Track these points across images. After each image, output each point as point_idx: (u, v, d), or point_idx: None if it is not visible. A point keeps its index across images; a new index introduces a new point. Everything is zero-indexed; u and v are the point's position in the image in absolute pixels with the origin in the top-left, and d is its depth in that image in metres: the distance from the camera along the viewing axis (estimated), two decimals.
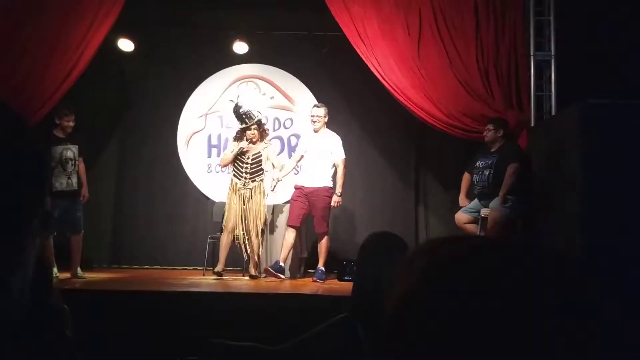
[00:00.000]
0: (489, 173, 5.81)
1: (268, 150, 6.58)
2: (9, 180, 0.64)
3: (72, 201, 6.13)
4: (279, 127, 7.86)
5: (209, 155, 7.82)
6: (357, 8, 6.34)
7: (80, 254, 6.31)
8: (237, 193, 6.43)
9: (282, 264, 6.25)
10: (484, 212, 5.80)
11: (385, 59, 6.33)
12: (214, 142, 7.84)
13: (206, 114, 7.87)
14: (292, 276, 6.53)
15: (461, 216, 6.03)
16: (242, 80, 7.90)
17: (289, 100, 7.86)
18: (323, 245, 6.39)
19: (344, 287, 5.45)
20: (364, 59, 6.40)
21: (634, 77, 5.51)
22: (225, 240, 6.36)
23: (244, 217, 6.37)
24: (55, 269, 5.90)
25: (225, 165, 6.75)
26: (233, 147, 6.58)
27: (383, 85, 6.41)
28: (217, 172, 7.59)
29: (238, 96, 6.95)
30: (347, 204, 6.91)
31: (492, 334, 0.56)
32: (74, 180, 6.13)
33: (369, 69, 6.42)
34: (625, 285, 4.09)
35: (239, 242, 6.37)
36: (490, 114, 6.09)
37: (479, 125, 6.11)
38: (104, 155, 7.75)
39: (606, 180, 4.64)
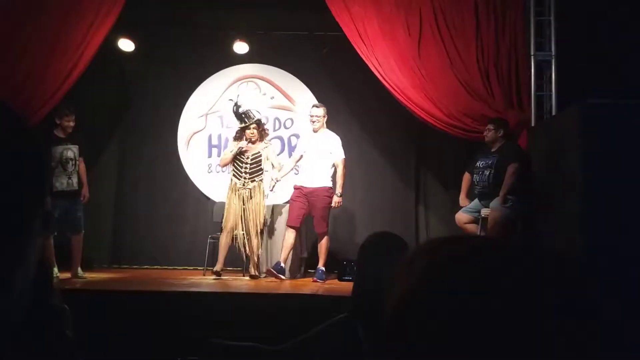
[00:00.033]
0: (490, 173, 5.81)
1: (268, 150, 6.57)
2: (9, 180, 0.64)
3: (73, 201, 6.13)
4: (279, 127, 7.86)
5: (210, 155, 7.82)
6: (357, 8, 6.34)
7: (81, 254, 6.31)
8: (237, 193, 6.42)
9: (283, 264, 6.25)
10: (485, 212, 5.80)
11: (386, 59, 6.33)
12: (215, 142, 7.84)
13: (206, 114, 7.87)
14: (292, 276, 6.53)
15: (461, 216, 6.03)
16: (243, 80, 7.90)
17: (289, 100, 7.86)
18: (323, 245, 6.39)
19: (344, 287, 5.45)
20: (364, 59, 6.40)
21: (634, 77, 5.51)
22: (224, 240, 6.36)
23: (243, 217, 6.36)
24: (55, 269, 5.89)
25: (225, 165, 6.75)
26: (232, 147, 6.59)
27: (383, 85, 6.40)
28: (218, 172, 7.59)
29: (238, 95, 6.95)
30: (347, 204, 6.91)
31: (492, 334, 0.56)
32: (75, 180, 6.13)
33: (369, 69, 6.42)
34: (625, 285, 4.09)
35: (238, 242, 6.37)
36: (490, 114, 6.09)
37: (480, 125, 6.11)
38: (104, 155, 7.75)
39: (606, 180, 4.64)
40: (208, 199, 7.57)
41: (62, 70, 6.37)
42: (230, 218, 6.36)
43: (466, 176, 6.14)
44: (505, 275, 0.59)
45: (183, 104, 7.83)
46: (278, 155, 7.22)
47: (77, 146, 6.19)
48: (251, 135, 6.47)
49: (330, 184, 6.38)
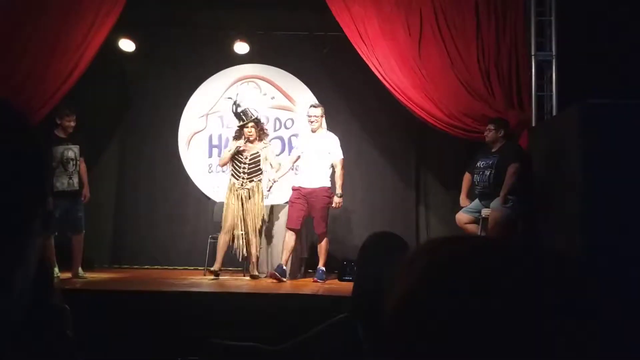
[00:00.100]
0: (490, 173, 5.81)
1: (267, 150, 6.55)
2: (9, 180, 0.64)
3: (73, 201, 6.13)
4: (280, 127, 7.86)
5: (210, 155, 7.82)
6: (357, 8, 6.34)
7: (82, 254, 6.32)
8: (235, 193, 6.41)
9: (284, 266, 6.25)
10: (485, 212, 5.80)
11: (386, 59, 6.33)
12: (215, 142, 7.84)
13: (207, 114, 7.87)
14: (293, 276, 6.52)
15: (462, 216, 6.03)
16: (243, 81, 7.90)
17: (289, 101, 7.86)
18: (323, 245, 6.39)
19: (344, 287, 5.45)
20: (364, 59, 6.40)
21: (634, 77, 5.51)
22: (222, 240, 6.36)
23: (242, 217, 6.36)
24: (56, 269, 5.90)
25: (224, 165, 6.75)
26: (231, 146, 6.59)
27: (384, 85, 6.40)
28: (218, 172, 7.59)
29: (237, 94, 6.95)
30: (347, 204, 6.90)
31: (492, 334, 0.56)
32: (75, 180, 6.13)
33: (369, 69, 6.42)
34: (625, 285, 4.09)
35: (238, 242, 6.36)
36: (491, 114, 6.09)
37: (480, 125, 6.11)
38: (104, 155, 7.75)
39: (606, 180, 4.64)
40: (208, 199, 7.57)
41: (63, 70, 6.37)
42: (229, 218, 6.35)
43: (467, 176, 6.14)
44: (505, 275, 0.59)
45: (183, 104, 7.83)
46: (278, 155, 7.22)
47: (77, 146, 6.20)
48: (249, 134, 6.46)
49: (329, 184, 6.37)
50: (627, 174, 4.62)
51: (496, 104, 6.19)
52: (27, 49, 6.28)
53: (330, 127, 6.70)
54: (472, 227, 5.95)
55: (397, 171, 7.74)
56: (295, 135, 7.69)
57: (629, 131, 4.71)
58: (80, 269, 6.27)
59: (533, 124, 6.14)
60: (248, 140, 6.49)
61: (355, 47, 6.40)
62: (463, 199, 6.12)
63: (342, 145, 6.50)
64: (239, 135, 6.58)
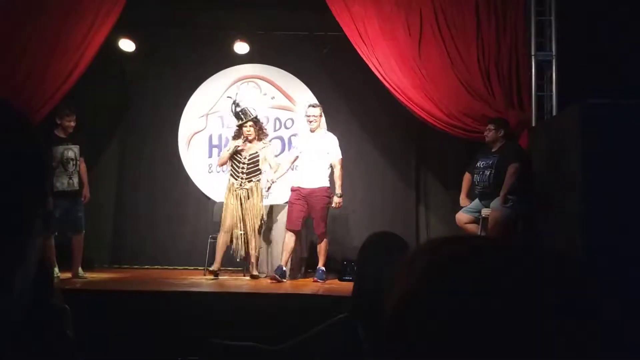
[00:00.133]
0: (490, 173, 5.81)
1: (266, 150, 6.53)
2: (9, 180, 0.64)
3: (73, 201, 6.13)
4: (280, 127, 7.86)
5: (210, 156, 7.82)
6: (357, 8, 6.34)
7: (82, 254, 6.32)
8: (234, 193, 6.41)
9: (284, 267, 6.24)
10: (485, 212, 5.80)
11: (386, 59, 6.33)
12: (215, 142, 7.84)
13: (207, 114, 7.87)
14: (293, 276, 6.52)
15: (462, 216, 6.03)
16: (243, 81, 7.90)
17: (289, 101, 7.86)
18: (322, 245, 6.38)
19: (344, 287, 5.45)
20: (364, 59, 6.40)
21: (634, 77, 5.51)
22: (222, 240, 6.35)
23: (241, 217, 6.35)
24: (56, 269, 5.90)
25: (223, 165, 6.75)
26: (230, 146, 6.59)
27: (384, 85, 6.40)
28: (218, 172, 7.59)
29: (237, 94, 6.95)
30: (347, 204, 6.90)
31: (493, 334, 0.56)
32: (75, 180, 6.13)
33: (369, 69, 6.42)
34: (625, 285, 4.09)
35: (237, 242, 6.35)
36: (491, 114, 6.09)
37: (480, 125, 6.11)
38: (104, 155, 7.75)
39: (606, 180, 4.64)
40: (208, 199, 7.57)
41: (63, 70, 6.37)
42: (228, 218, 6.34)
43: (467, 176, 6.14)
44: (505, 275, 0.59)
45: (183, 104, 7.83)
46: (278, 155, 7.21)
47: (77, 146, 6.20)
48: (248, 133, 6.45)
49: (328, 184, 6.36)
50: (627, 174, 4.62)
51: (496, 104, 6.19)
52: (27, 49, 6.28)
53: (330, 127, 6.69)
54: (472, 227, 5.95)
55: (397, 171, 7.73)
56: (295, 135, 7.69)
57: (629, 131, 4.71)
58: (80, 269, 6.27)
59: (533, 124, 6.14)
60: (247, 140, 6.48)
61: (355, 47, 6.40)
62: (463, 199, 6.12)
63: (342, 145, 6.50)
64: (238, 134, 6.58)
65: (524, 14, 6.30)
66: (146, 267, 7.45)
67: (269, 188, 6.38)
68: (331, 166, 6.39)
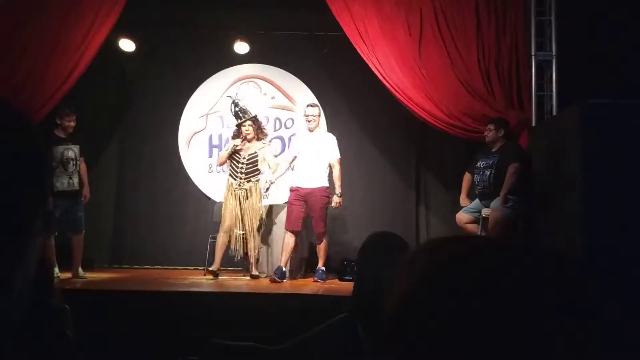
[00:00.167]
0: (490, 173, 5.81)
1: (265, 150, 6.52)
2: (9, 180, 0.64)
3: (74, 201, 6.13)
4: (280, 127, 7.86)
5: (210, 155, 7.82)
6: (357, 7, 6.34)
7: (82, 253, 6.32)
8: (233, 193, 6.40)
9: (284, 268, 6.24)
10: (485, 212, 5.80)
11: (386, 59, 6.33)
12: (215, 142, 7.84)
13: (207, 114, 7.87)
14: (293, 276, 6.52)
15: (462, 216, 6.03)
16: (243, 80, 7.90)
17: (289, 101, 7.86)
18: (322, 245, 6.37)
19: (345, 287, 5.45)
20: (364, 58, 6.40)
21: (634, 77, 5.51)
22: (221, 240, 6.35)
23: (240, 217, 6.34)
24: (56, 269, 5.90)
25: (222, 164, 6.74)
26: (229, 145, 6.59)
27: (384, 85, 6.40)
28: (219, 172, 7.59)
29: (237, 94, 6.96)
30: (347, 204, 6.90)
31: (492, 334, 0.56)
32: (75, 180, 6.13)
33: (369, 68, 6.41)
34: (625, 285, 4.09)
35: (236, 243, 6.34)
36: (491, 113, 6.09)
37: (480, 125, 6.11)
38: (104, 155, 7.75)
39: (606, 180, 4.64)
40: (209, 198, 7.57)
41: (63, 70, 6.37)
42: (227, 218, 6.34)
43: (467, 176, 6.14)
44: (505, 275, 0.59)
45: (183, 104, 7.83)
46: (278, 155, 7.21)
47: (77, 146, 6.20)
48: (246, 132, 6.44)
49: (327, 184, 6.35)
50: (627, 174, 4.62)
51: (496, 104, 6.19)
52: (27, 49, 6.28)
53: (330, 127, 6.68)
54: (473, 227, 5.95)
55: (397, 171, 7.73)
56: (296, 135, 7.69)
57: (629, 131, 4.71)
58: (80, 269, 6.27)
59: (533, 124, 6.14)
60: (245, 139, 6.46)
61: (356, 46, 6.40)
62: (463, 199, 6.12)
63: (342, 145, 6.49)
64: (237, 134, 6.57)
65: (524, 14, 6.30)
66: (146, 267, 7.45)
67: (267, 189, 6.38)
68: (330, 166, 6.38)
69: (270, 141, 7.00)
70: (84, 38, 6.39)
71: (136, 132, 7.80)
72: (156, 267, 7.47)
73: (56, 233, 5.88)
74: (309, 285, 6.13)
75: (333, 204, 6.30)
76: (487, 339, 0.56)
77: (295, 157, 6.54)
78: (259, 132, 6.55)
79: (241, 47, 7.45)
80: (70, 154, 6.14)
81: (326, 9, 6.40)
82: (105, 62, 6.87)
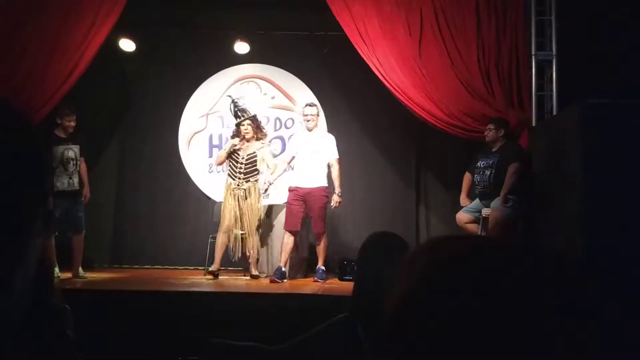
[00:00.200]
0: (490, 173, 5.81)
1: (263, 150, 6.50)
2: (9, 180, 0.64)
3: (74, 201, 6.13)
4: (280, 127, 7.86)
5: (210, 155, 7.82)
6: (357, 7, 6.34)
7: (82, 253, 6.32)
8: (232, 193, 6.38)
9: (283, 268, 6.24)
10: (485, 212, 5.80)
11: (386, 59, 6.33)
12: (215, 142, 7.84)
13: (207, 114, 7.87)
14: (293, 276, 6.52)
15: (462, 216, 6.03)
16: (243, 80, 7.90)
17: (290, 100, 7.86)
18: (321, 245, 6.36)
19: (345, 287, 5.45)
20: (365, 58, 6.40)
21: (634, 77, 5.51)
22: (220, 241, 6.34)
23: (239, 218, 6.33)
24: (56, 269, 5.90)
25: (220, 164, 6.73)
26: (227, 145, 6.58)
27: (384, 85, 6.40)
28: (219, 172, 7.59)
29: (236, 93, 6.95)
30: (347, 204, 6.90)
31: (493, 334, 0.56)
32: (75, 180, 6.13)
33: (369, 68, 6.41)
34: (625, 285, 4.09)
35: (235, 243, 6.34)
36: (491, 113, 6.09)
37: (480, 125, 6.11)
38: (104, 155, 7.75)
39: (606, 180, 4.64)
40: (209, 198, 7.57)
41: (63, 70, 6.37)
42: (226, 218, 6.33)
43: (467, 176, 6.14)
44: (505, 275, 0.59)
45: (183, 104, 7.83)
46: (279, 155, 7.20)
47: (78, 146, 6.20)
48: (245, 131, 6.43)
49: (326, 184, 6.34)
50: (627, 174, 4.62)
51: (496, 104, 6.19)
52: (27, 49, 6.28)
53: (330, 127, 6.68)
54: (473, 227, 5.95)
55: (397, 171, 7.73)
56: (294, 135, 7.68)
57: (629, 131, 4.71)
58: (80, 269, 6.27)
59: (533, 124, 6.14)
60: (244, 138, 6.45)
61: (356, 46, 6.40)
62: (463, 199, 6.12)
63: (342, 145, 6.49)
64: (236, 133, 6.57)
65: (524, 14, 6.30)
66: (146, 267, 7.45)
67: (266, 190, 6.36)
68: (328, 166, 6.37)
69: (270, 141, 6.99)
70: (84, 38, 6.39)
71: (136, 132, 7.80)
72: (156, 267, 7.47)
73: (56, 233, 5.87)
74: (309, 285, 6.12)
75: (332, 204, 6.30)
76: (487, 339, 0.56)
77: (294, 157, 6.53)
78: (258, 132, 6.54)
79: (241, 47, 7.45)
80: (71, 153, 6.14)
81: (326, 9, 6.39)
82: (105, 62, 6.87)
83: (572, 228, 4.85)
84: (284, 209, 6.57)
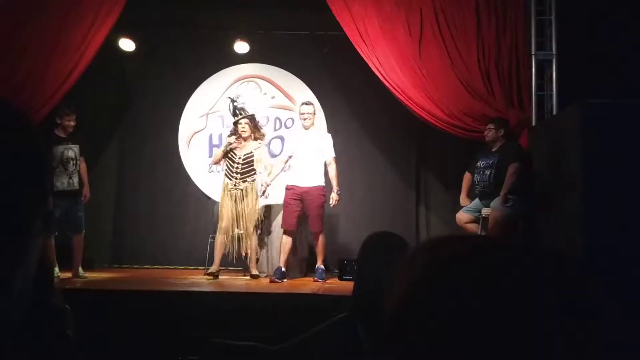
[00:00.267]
0: (490, 173, 5.81)
1: (260, 151, 6.47)
2: (9, 180, 0.64)
3: (74, 201, 6.13)
4: (280, 127, 7.86)
5: (210, 155, 7.80)
6: (357, 7, 6.34)
7: (82, 253, 6.32)
8: (229, 193, 6.36)
9: (283, 269, 6.23)
10: (485, 211, 5.80)
11: (386, 59, 6.33)
12: (215, 141, 7.84)
13: (207, 114, 7.87)
14: (293, 276, 6.51)
15: (462, 216, 6.03)
16: (243, 80, 7.90)
17: (290, 100, 7.86)
18: (320, 244, 6.34)
19: (345, 286, 5.45)
20: (365, 58, 6.40)
21: (634, 77, 5.51)
22: (219, 241, 6.32)
23: (237, 218, 6.32)
24: (56, 269, 5.90)
25: (217, 163, 6.71)
26: (224, 144, 6.58)
27: (384, 85, 6.40)
28: (219, 172, 7.56)
29: (237, 95, 6.95)
30: (346, 204, 6.90)
31: (493, 333, 0.56)
32: (75, 180, 6.13)
33: (369, 68, 6.41)
34: (625, 285, 4.09)
35: (234, 243, 6.33)
36: (491, 113, 6.09)
37: (480, 124, 6.11)
38: (104, 155, 7.76)
39: (606, 180, 4.64)
40: (209, 198, 7.56)
41: (63, 70, 6.37)
42: (224, 219, 6.32)
43: (467, 176, 6.14)
44: (505, 275, 0.59)
45: (183, 103, 7.82)
46: (279, 155, 7.20)
47: (77, 146, 6.20)
48: (242, 130, 6.40)
49: (323, 183, 6.34)
50: (627, 174, 4.62)
51: (496, 104, 6.19)
52: (27, 49, 6.28)
53: (330, 127, 6.67)
54: (473, 227, 5.95)
55: (398, 171, 7.73)
56: (291, 134, 7.67)
57: (629, 131, 4.71)
58: (80, 269, 6.27)
59: (533, 124, 6.14)
60: (240, 137, 6.43)
61: (356, 46, 6.40)
62: (463, 199, 6.12)
63: (342, 145, 6.50)
64: (234, 132, 6.55)
65: (524, 14, 6.30)
66: (146, 267, 7.45)
67: (264, 192, 6.35)
68: (325, 165, 6.36)
69: (270, 141, 6.98)
70: (84, 38, 6.39)
71: (136, 132, 7.80)
72: (156, 267, 7.46)
73: (56, 233, 5.87)
74: (309, 285, 6.12)
75: (331, 202, 6.29)
76: (487, 339, 0.56)
77: (290, 156, 6.52)
78: (256, 132, 6.52)
79: (241, 47, 7.45)
80: (70, 153, 6.14)
81: (326, 8, 6.39)
82: (105, 62, 6.87)
83: (572, 228, 4.85)
84: (281, 209, 6.57)
